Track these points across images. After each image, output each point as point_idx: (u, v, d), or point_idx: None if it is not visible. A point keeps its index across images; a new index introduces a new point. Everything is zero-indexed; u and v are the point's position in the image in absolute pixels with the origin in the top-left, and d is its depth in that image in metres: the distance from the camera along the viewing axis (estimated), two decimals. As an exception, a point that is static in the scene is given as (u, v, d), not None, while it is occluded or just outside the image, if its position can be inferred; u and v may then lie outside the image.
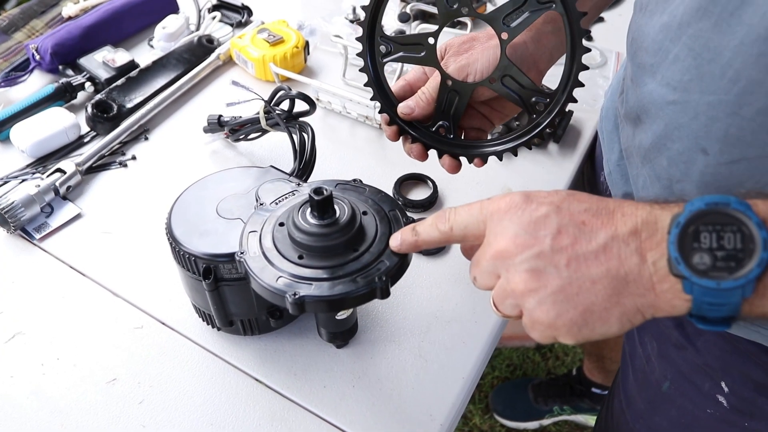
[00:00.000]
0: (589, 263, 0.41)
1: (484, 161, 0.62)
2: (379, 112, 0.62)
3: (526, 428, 1.54)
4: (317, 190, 0.50)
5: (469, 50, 0.61)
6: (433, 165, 0.60)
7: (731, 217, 0.38)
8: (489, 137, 0.64)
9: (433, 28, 0.58)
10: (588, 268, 0.41)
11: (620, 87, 0.70)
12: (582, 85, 0.56)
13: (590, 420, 1.51)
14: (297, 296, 0.49)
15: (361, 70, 0.62)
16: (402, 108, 0.62)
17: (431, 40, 0.59)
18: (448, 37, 0.63)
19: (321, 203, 0.50)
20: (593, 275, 0.41)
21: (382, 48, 0.60)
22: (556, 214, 0.42)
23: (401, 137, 0.64)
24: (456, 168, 0.64)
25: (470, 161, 0.62)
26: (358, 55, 0.61)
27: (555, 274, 0.42)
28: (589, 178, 0.90)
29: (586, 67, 0.55)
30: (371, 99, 0.62)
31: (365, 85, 0.62)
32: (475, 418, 1.54)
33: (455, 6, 0.56)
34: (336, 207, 0.52)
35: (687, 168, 0.56)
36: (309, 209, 0.52)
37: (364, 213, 0.55)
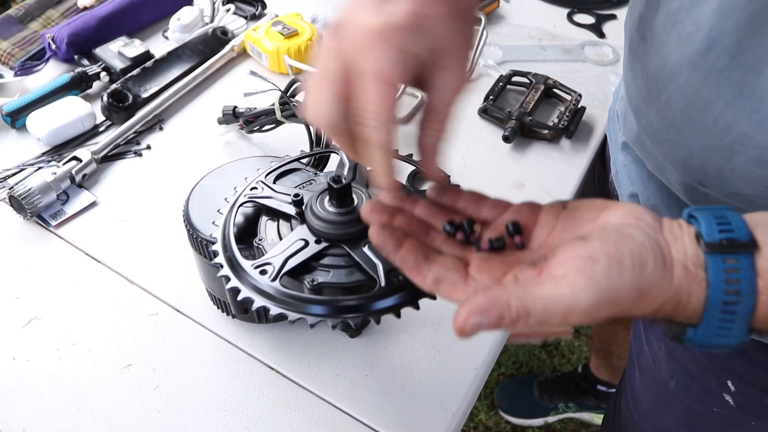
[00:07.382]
0: None
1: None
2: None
3: (531, 425, 1.54)
4: (336, 179, 0.51)
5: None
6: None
7: None
8: None
9: None
10: None
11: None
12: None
13: (595, 418, 1.52)
14: (315, 282, 0.49)
15: None
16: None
17: None
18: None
19: (339, 191, 0.51)
20: None
21: None
22: None
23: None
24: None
25: None
26: None
27: None
28: (599, 177, 0.90)
29: None
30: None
31: None
32: (481, 414, 1.55)
33: None
34: (354, 195, 0.53)
35: (687, 195, 0.57)
36: (327, 197, 0.53)
37: None
